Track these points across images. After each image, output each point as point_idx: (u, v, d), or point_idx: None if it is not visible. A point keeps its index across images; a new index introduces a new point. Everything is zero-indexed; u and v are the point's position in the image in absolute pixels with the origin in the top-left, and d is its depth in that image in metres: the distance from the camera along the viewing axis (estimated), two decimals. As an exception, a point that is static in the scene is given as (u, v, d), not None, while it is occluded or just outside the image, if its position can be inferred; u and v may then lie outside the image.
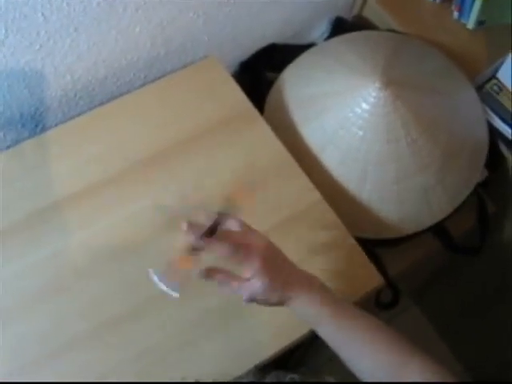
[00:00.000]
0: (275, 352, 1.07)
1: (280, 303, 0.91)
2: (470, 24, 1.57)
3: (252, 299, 0.90)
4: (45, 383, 1.01)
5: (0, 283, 1.10)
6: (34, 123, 1.32)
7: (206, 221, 0.89)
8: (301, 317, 0.94)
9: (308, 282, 0.93)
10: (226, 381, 0.96)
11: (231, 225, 0.93)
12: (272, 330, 1.09)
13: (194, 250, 0.89)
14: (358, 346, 0.90)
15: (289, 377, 0.66)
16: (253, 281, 0.88)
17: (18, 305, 1.08)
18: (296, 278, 0.93)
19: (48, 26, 1.13)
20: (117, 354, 1.05)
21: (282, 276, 0.90)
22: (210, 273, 0.90)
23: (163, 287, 0.89)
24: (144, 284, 1.10)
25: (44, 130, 1.32)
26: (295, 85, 1.42)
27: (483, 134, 1.40)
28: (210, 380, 0.88)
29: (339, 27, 1.65)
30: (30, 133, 1.32)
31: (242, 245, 0.88)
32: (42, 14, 1.10)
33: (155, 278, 0.90)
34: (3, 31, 1.08)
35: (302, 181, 1.25)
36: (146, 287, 1.10)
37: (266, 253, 0.90)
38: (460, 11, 1.57)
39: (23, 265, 1.12)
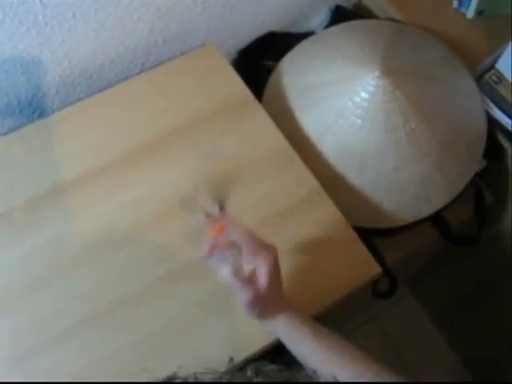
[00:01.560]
0: (270, 342, 1.07)
1: (262, 317, 0.94)
2: (470, 13, 1.56)
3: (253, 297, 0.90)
4: (42, 383, 1.01)
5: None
6: (31, 109, 1.31)
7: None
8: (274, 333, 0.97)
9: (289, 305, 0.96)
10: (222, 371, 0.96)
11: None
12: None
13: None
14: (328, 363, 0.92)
15: (268, 368, 0.66)
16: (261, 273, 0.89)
17: (15, 291, 1.08)
18: (284, 298, 0.96)
19: (46, 12, 1.12)
20: (114, 340, 1.05)
21: (278, 290, 0.94)
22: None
23: None
24: (141, 272, 1.11)
25: (41, 116, 1.32)
26: (294, 73, 1.42)
27: (482, 124, 1.39)
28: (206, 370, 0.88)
29: (339, 16, 1.65)
30: (27, 119, 1.32)
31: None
32: (40, 0, 1.09)
33: None
34: (0, 16, 1.08)
35: (300, 169, 1.24)
36: (142, 275, 1.11)
37: (276, 257, 0.92)
38: (460, 0, 1.56)
39: (22, 250, 1.12)
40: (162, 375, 0.77)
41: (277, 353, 1.03)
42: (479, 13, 1.55)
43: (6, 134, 1.26)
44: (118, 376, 1.02)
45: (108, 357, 1.04)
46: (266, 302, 0.91)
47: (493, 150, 1.44)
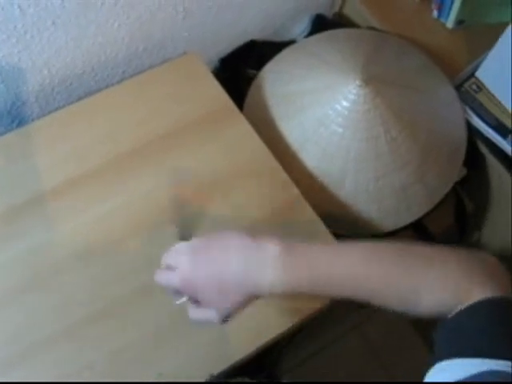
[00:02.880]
0: (252, 351, 1.06)
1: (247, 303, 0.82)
2: (450, 23, 1.57)
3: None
4: (41, 383, 1.00)
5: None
6: (10, 118, 1.30)
7: None
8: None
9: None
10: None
11: None
12: (249, 330, 1.07)
13: None
14: (359, 290, 0.78)
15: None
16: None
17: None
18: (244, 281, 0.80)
19: (25, 20, 1.11)
20: (92, 351, 1.04)
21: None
22: None
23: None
24: (119, 282, 1.10)
25: (20, 125, 1.31)
26: (275, 82, 1.42)
27: (462, 133, 1.40)
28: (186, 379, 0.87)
29: (320, 24, 1.65)
30: (5, 128, 1.31)
31: None
32: (19, 7, 1.08)
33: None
34: (-21, 24, 1.07)
35: (282, 177, 1.24)
36: (121, 285, 1.10)
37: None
38: (439, 10, 1.58)
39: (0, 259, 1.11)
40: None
41: (259, 365, 1.03)
42: (459, 22, 1.56)
43: (-16, 142, 1.25)
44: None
45: (85, 368, 1.02)
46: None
47: (473, 158, 1.44)
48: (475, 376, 0.60)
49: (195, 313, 0.86)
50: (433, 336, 0.71)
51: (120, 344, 1.05)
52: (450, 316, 0.70)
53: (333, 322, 1.86)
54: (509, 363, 0.60)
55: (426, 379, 0.65)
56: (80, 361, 1.03)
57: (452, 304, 0.71)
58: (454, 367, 0.63)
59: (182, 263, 0.84)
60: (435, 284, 0.73)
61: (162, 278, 0.87)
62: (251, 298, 0.81)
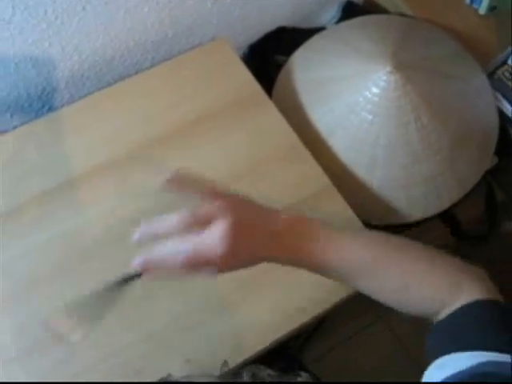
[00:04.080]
0: (277, 339, 1.06)
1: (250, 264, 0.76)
2: (482, 9, 1.55)
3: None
4: (41, 383, 1.00)
5: (7, 262, 1.09)
6: (40, 104, 1.31)
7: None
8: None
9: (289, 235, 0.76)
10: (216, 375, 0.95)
11: None
12: (273, 318, 1.08)
13: None
14: (377, 284, 0.78)
15: (266, 373, 0.64)
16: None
17: (24, 285, 1.08)
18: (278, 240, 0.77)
19: (55, 5, 1.12)
20: (121, 337, 1.04)
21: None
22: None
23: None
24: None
25: (51, 110, 1.32)
26: (304, 68, 1.41)
27: (494, 121, 1.38)
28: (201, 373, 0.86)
29: (349, 11, 1.64)
30: (36, 113, 1.32)
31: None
32: (50, -8, 1.09)
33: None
34: (10, 10, 1.07)
35: (311, 165, 1.23)
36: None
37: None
38: (472, -4, 1.56)
39: (31, 244, 1.12)
40: (156, 377, 0.75)
41: (272, 357, 1.02)
42: (491, 9, 1.54)
43: (15, 127, 1.26)
44: (112, 376, 1.01)
45: (114, 353, 1.03)
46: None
47: (504, 146, 1.43)
48: (475, 367, 0.61)
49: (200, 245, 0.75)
50: (427, 338, 0.72)
51: (148, 329, 1.05)
52: (441, 318, 0.72)
53: (359, 312, 1.85)
54: (508, 356, 0.61)
55: (425, 378, 0.66)
56: (110, 345, 1.03)
57: (439, 305, 0.73)
58: (454, 361, 0.65)
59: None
60: (426, 281, 0.75)
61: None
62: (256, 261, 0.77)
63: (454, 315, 0.71)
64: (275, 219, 0.77)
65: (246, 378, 0.62)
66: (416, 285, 0.75)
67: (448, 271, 0.75)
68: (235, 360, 1.02)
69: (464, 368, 0.61)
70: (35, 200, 1.16)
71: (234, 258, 0.73)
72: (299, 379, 0.66)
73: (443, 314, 0.72)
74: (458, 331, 0.69)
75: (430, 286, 0.75)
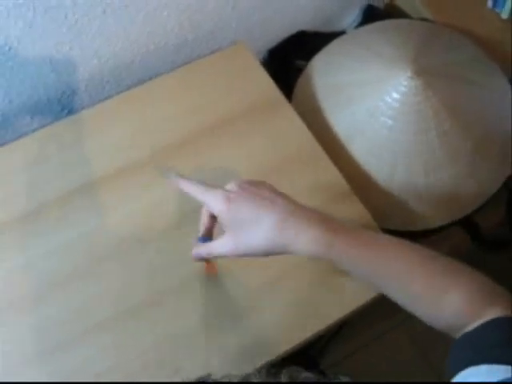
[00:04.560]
0: (298, 343, 1.05)
1: (271, 248, 0.83)
2: (505, 13, 1.54)
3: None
4: (44, 383, 1.00)
5: (29, 262, 1.10)
6: (60, 107, 1.31)
7: None
8: (307, 255, 0.83)
9: (307, 221, 0.82)
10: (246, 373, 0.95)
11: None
12: (294, 322, 1.07)
13: None
14: (386, 274, 0.80)
15: (303, 375, 0.63)
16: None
17: (46, 284, 1.08)
18: (297, 216, 0.82)
19: (76, 8, 1.12)
20: (138, 340, 1.04)
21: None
22: None
23: None
24: (169, 271, 1.10)
25: (70, 113, 1.32)
26: (324, 73, 1.40)
27: (516, 127, 1.37)
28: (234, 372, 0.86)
29: (370, 15, 1.63)
30: (56, 117, 1.32)
31: None
32: (70, -4, 1.09)
33: None
34: (31, 13, 1.08)
35: (330, 170, 1.23)
36: (170, 274, 1.10)
37: (242, 180, 0.87)
38: (494, 0, 1.54)
39: (52, 245, 1.12)
40: (190, 376, 0.75)
41: (303, 357, 1.02)
42: (514, 13, 1.52)
43: (34, 130, 1.26)
44: (143, 376, 1.01)
45: (132, 357, 1.03)
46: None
47: (526, 153, 1.41)
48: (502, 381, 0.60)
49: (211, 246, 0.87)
50: (451, 349, 0.73)
51: (171, 332, 1.05)
52: (467, 331, 0.73)
53: (379, 317, 1.84)
54: None
55: None
56: (126, 350, 1.03)
57: (467, 319, 0.74)
58: (482, 373, 0.64)
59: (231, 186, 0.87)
60: (457, 295, 0.76)
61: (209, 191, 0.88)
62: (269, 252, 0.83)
63: (480, 329, 0.71)
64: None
65: (284, 379, 0.61)
66: (440, 298, 0.76)
67: (473, 287, 0.77)
68: (262, 360, 1.03)
69: (493, 380, 0.61)
70: (56, 201, 1.17)
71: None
72: (340, 382, 0.66)
73: (469, 327, 0.72)
74: (485, 344, 0.69)
75: (455, 300, 0.75)
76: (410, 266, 0.79)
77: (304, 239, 0.80)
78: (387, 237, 0.84)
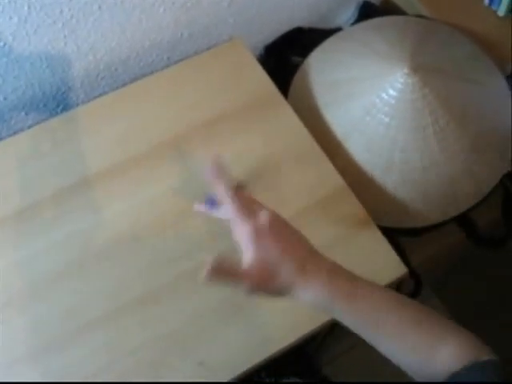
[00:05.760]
0: (293, 341, 1.05)
1: (283, 290, 0.82)
2: (501, 11, 1.53)
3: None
4: (43, 383, 1.00)
5: (23, 260, 1.10)
6: (55, 103, 1.31)
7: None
8: (309, 304, 0.83)
9: (320, 268, 0.83)
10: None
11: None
12: (291, 318, 1.07)
13: None
14: (380, 328, 0.82)
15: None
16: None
17: (40, 282, 1.08)
18: (313, 263, 0.83)
19: (71, 4, 1.11)
20: (134, 337, 1.04)
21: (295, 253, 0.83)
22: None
23: None
24: (164, 268, 1.10)
25: (65, 110, 1.32)
26: (321, 69, 1.40)
27: (512, 124, 1.37)
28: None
29: (366, 12, 1.63)
30: (51, 113, 1.32)
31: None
32: (66, -9, 1.09)
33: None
34: (26, 8, 1.07)
35: (326, 167, 1.22)
36: (165, 271, 1.10)
37: (274, 216, 0.87)
38: (491, -2, 1.54)
39: (47, 242, 1.12)
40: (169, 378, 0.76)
41: (290, 359, 1.01)
42: (511, 10, 1.52)
43: (30, 126, 1.26)
44: (137, 374, 1.01)
45: (128, 353, 1.03)
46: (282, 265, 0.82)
47: (523, 150, 1.41)
48: None
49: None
50: None
51: (163, 330, 1.05)
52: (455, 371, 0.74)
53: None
54: None
55: None
56: (122, 347, 1.03)
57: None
58: None
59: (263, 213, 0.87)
60: (448, 350, 0.77)
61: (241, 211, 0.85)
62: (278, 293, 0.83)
63: (470, 369, 0.74)
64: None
65: None
66: (432, 354, 0.78)
67: (461, 341, 0.79)
68: (260, 357, 1.03)
69: None
70: (51, 198, 1.17)
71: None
72: None
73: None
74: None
75: (447, 354, 0.77)
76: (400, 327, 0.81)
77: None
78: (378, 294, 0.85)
